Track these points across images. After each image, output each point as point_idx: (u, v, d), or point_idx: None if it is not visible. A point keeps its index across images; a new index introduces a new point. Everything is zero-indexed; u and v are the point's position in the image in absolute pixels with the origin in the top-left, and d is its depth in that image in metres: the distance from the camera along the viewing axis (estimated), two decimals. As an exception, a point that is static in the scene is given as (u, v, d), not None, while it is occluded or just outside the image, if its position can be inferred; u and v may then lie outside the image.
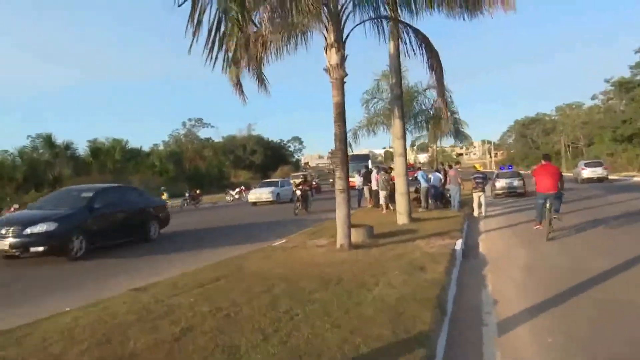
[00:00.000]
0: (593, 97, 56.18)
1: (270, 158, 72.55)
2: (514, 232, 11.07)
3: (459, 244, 8.95)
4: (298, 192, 18.95)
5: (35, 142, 39.43)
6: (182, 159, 50.00)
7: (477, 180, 14.67)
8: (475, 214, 14.53)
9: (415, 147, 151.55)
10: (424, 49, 8.76)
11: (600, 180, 28.03)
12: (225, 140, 71.65)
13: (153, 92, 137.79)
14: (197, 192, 27.05)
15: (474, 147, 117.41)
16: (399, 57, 12.01)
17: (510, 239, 10.27)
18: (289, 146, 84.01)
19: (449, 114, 14.85)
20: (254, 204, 24.69)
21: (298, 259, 8.01)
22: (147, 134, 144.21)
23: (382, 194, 16.00)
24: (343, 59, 8.40)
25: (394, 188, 16.72)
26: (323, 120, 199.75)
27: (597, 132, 51.71)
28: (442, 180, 16.91)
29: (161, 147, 56.85)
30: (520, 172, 23.52)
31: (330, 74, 8.44)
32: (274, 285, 5.92)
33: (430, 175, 16.82)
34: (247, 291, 5.72)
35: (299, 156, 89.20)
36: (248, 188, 32.18)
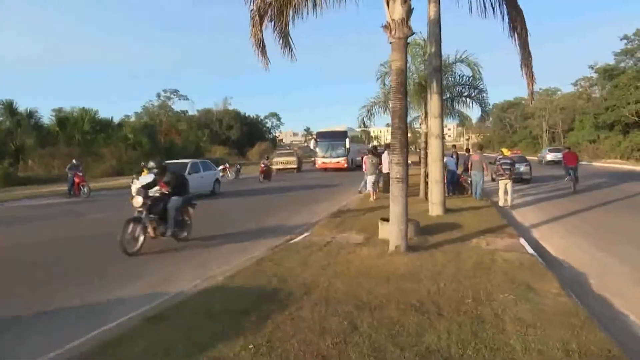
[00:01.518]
0: (575, 84, 56.05)
1: (247, 134, 69.90)
2: (565, 227, 9.68)
3: (527, 246, 7.48)
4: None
5: (-5, 109, 35.78)
6: (157, 132, 46.91)
7: (504, 166, 13.25)
8: (501, 203, 13.14)
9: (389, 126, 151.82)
10: (505, 6, 7.02)
11: (558, 162, 33.12)
12: (200, 114, 68.36)
13: (122, 63, 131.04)
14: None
15: (448, 129, 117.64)
16: (440, 22, 10.27)
17: (571, 236, 8.84)
18: (266, 122, 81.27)
19: (478, 91, 13.21)
20: None
21: (347, 265, 6.32)
22: (117, 105, 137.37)
23: (370, 180, 14.42)
24: (409, 12, 6.59)
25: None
26: (300, 98, 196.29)
27: (578, 118, 51.63)
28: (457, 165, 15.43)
29: (133, 119, 53.46)
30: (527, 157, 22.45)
31: (390, 32, 6.64)
32: (355, 317, 4.22)
33: (445, 159, 15.28)
34: (322, 329, 3.99)
35: (276, 133, 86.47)
36: (232, 165, 30.01)
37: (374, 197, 14.09)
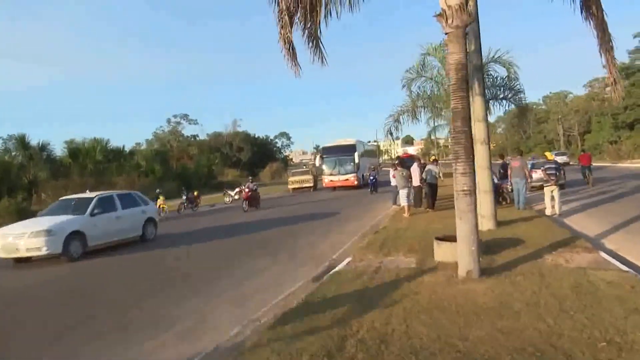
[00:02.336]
0: (587, 85, 54.75)
1: (258, 155, 69.18)
2: (635, 234, 8.50)
3: (614, 261, 6.36)
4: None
5: (7, 143, 35.42)
6: (168, 158, 46.33)
7: (549, 172, 12.13)
8: (549, 212, 11.98)
9: (399, 140, 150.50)
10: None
11: (564, 164, 32.55)
12: (210, 138, 67.90)
13: (129, 91, 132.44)
14: (195, 193, 23.86)
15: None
16: (478, 16, 9.33)
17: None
18: (276, 142, 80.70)
19: (514, 93, 12.19)
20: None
21: (415, 298, 5.26)
22: (127, 134, 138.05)
23: (403, 194, 13.32)
24: (468, -4, 5.64)
25: (432, 185, 14.42)
26: (309, 115, 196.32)
27: (595, 119, 50.20)
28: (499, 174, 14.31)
29: (144, 147, 53.12)
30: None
31: (446, 21, 5.67)
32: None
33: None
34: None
35: (286, 152, 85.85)
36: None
37: (408, 213, 13.00)
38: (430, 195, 14.16)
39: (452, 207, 14.08)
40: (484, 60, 12.11)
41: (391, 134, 14.20)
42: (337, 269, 7.34)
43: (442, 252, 7.06)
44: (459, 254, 5.86)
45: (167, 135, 53.05)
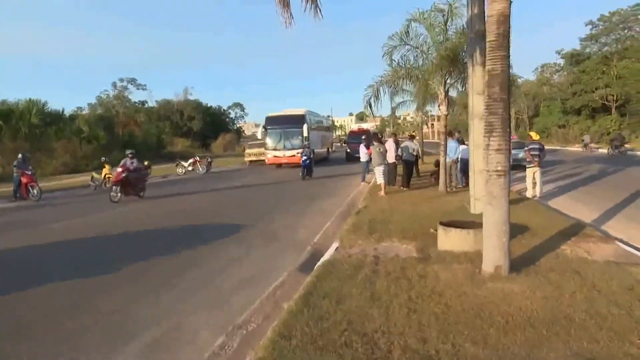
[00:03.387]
0: (538, 70, 56.09)
1: (210, 125, 66.17)
2: (633, 218, 8.01)
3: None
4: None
5: None
6: (114, 124, 42.91)
7: (532, 152, 11.57)
8: (529, 194, 11.47)
9: (353, 116, 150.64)
10: None
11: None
12: (159, 105, 64.04)
13: (72, 52, 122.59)
14: (146, 163, 21.76)
15: (411, 117, 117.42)
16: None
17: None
18: (230, 113, 77.61)
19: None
20: None
21: (439, 300, 4.31)
22: (68, 97, 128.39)
23: (379, 171, 12.42)
24: None
25: (409, 162, 13.59)
26: (264, 89, 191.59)
27: (545, 104, 51.66)
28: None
29: (86, 111, 48.97)
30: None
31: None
32: None
33: (461, 146, 13.48)
34: None
35: (240, 123, 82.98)
36: (203, 159, 27.23)
37: (384, 191, 12.08)
38: (405, 173, 13.32)
39: (426, 186, 13.88)
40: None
41: (370, 105, 13.03)
42: (327, 257, 6.25)
43: (449, 240, 6.14)
44: (485, 246, 4.93)
45: (113, 100, 49.08)
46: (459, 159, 12.85)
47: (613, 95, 40.59)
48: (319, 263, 6.01)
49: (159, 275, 6.16)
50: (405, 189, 13.03)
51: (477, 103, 8.58)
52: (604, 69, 41.82)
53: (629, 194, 11.02)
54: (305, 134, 25.67)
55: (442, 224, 6.40)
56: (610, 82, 40.37)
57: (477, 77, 8.50)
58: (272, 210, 11.28)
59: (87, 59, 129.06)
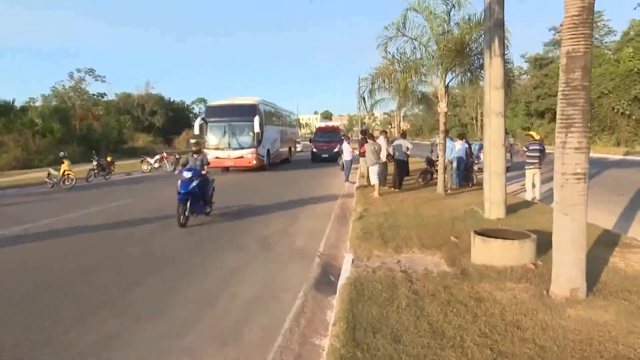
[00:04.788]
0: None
1: (173, 120, 63.68)
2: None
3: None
4: None
5: None
6: (70, 117, 40.01)
7: (531, 153, 11.02)
8: (529, 196, 10.91)
9: (319, 115, 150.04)
10: None
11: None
12: (119, 98, 60.92)
13: (22, 42, 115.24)
14: (109, 159, 20.03)
15: (376, 117, 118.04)
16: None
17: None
18: (193, 108, 75.03)
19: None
20: None
21: (517, 334, 3.44)
22: (20, 88, 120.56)
23: (374, 171, 11.61)
24: None
25: (401, 162, 12.83)
26: (229, 82, 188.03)
27: (510, 106, 52.65)
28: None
29: (40, 103, 45.62)
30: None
31: None
32: None
33: (458, 145, 12.86)
34: None
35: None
36: (171, 154, 25.56)
37: (378, 193, 11.23)
38: (397, 173, 12.53)
39: (417, 187, 13.16)
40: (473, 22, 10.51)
41: (364, 100, 12.19)
42: (346, 272, 5.28)
43: (487, 251, 5.30)
44: (556, 262, 4.10)
45: (69, 91, 45.94)
46: (454, 159, 12.22)
47: (575, 99, 41.74)
48: (341, 280, 5.04)
49: (145, 296, 4.99)
50: (397, 190, 12.24)
51: (494, 98, 7.84)
52: (567, 73, 43.03)
53: (629, 197, 10.68)
54: (257, 128, 20.31)
55: (477, 233, 5.56)
56: (572, 86, 41.50)
57: (495, 70, 7.75)
58: (262, 212, 10.19)
59: (41, 46, 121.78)
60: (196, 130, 21.32)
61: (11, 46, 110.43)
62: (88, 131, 38.72)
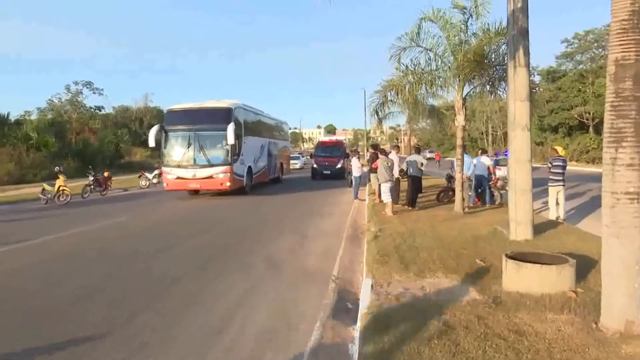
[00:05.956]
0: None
1: (172, 135, 63.74)
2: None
3: None
4: None
5: None
6: (66, 131, 40.08)
7: (555, 170, 10.74)
8: (552, 215, 10.60)
9: (322, 129, 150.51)
10: None
11: (430, 159, 38.62)
12: (116, 111, 61.07)
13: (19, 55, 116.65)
14: (106, 174, 19.87)
15: (381, 131, 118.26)
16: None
17: None
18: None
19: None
20: None
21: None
22: (15, 102, 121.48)
23: (386, 188, 11.35)
24: None
25: (416, 178, 12.58)
26: (229, 95, 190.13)
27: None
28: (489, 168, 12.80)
29: (35, 116, 45.73)
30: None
31: None
32: None
33: (474, 160, 12.63)
34: None
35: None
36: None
37: (392, 211, 10.96)
38: (412, 190, 12.28)
39: (431, 204, 12.90)
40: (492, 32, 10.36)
41: (377, 113, 11.99)
42: (366, 300, 5.00)
43: (521, 277, 5.01)
44: (607, 292, 3.82)
45: (66, 104, 46.07)
46: (473, 176, 12.01)
47: (590, 113, 41.60)
48: (362, 309, 4.75)
49: (148, 325, 4.70)
50: (411, 208, 11.98)
51: (519, 111, 7.62)
52: (580, 86, 42.92)
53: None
54: (231, 139, 16.22)
55: (509, 257, 5.28)
56: (587, 99, 41.36)
57: (519, 81, 7.55)
58: (269, 230, 9.96)
59: (39, 57, 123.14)
60: (151, 142, 17.61)
61: (7, 57, 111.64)
62: (84, 145, 38.76)
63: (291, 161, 36.73)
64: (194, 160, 16.84)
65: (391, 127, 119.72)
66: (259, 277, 6.47)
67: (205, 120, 17.00)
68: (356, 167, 15.62)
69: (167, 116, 18.36)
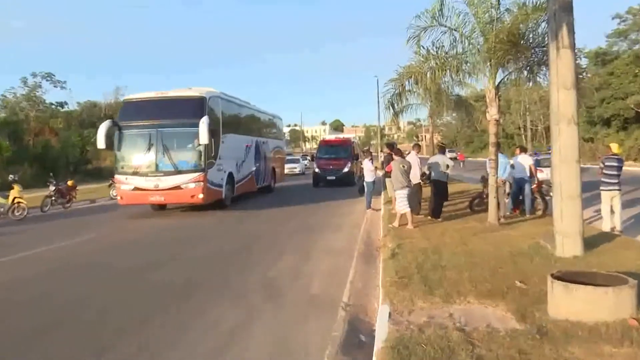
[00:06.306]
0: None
1: (148, 135, 64.15)
2: None
3: None
4: None
5: None
6: (23, 131, 40.39)
7: (609, 171, 10.67)
8: (606, 226, 10.53)
9: (327, 125, 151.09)
10: None
11: (452, 159, 36.10)
12: (82, 108, 61.48)
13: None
14: (70, 183, 19.94)
15: (398, 128, 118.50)
16: None
17: None
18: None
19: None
20: None
21: None
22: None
23: (402, 195, 11.29)
24: None
25: (440, 183, 12.55)
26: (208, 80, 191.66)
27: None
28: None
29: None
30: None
31: None
32: None
33: (510, 161, 12.60)
34: None
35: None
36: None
37: (413, 224, 10.91)
38: (435, 198, 12.25)
39: (459, 214, 12.87)
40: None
41: (392, 106, 11.98)
42: (383, 331, 4.95)
43: (570, 303, 4.94)
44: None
45: (22, 100, 46.45)
46: (509, 179, 11.99)
47: (650, 103, 41.41)
48: (377, 342, 4.71)
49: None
50: (435, 219, 11.95)
51: (564, 101, 7.58)
52: (637, 70, 42.68)
53: None
54: (204, 138, 15.00)
55: (555, 277, 5.22)
56: (646, 86, 41.21)
57: (563, 65, 7.51)
58: (259, 251, 9.98)
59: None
60: (100, 142, 16.12)
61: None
62: (44, 149, 39.06)
63: (288, 165, 36.88)
64: (157, 165, 15.69)
65: (410, 123, 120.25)
66: (252, 307, 6.46)
67: (171, 114, 15.88)
68: (368, 170, 15.61)
69: (122, 109, 17.42)
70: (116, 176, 16.66)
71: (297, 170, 41.33)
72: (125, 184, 16.00)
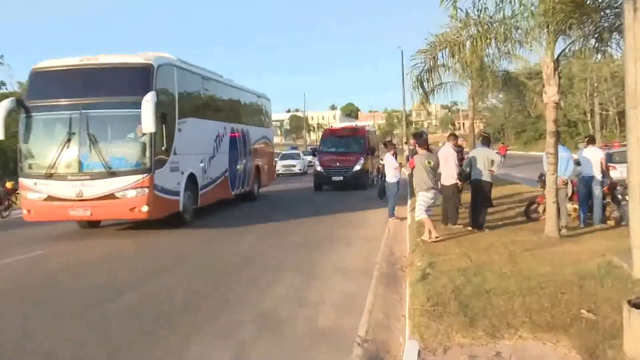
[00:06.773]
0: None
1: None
2: None
3: None
4: None
5: None
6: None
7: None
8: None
9: (338, 110, 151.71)
10: None
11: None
12: (25, 90, 61.98)
13: None
14: (9, 185, 20.16)
15: (428, 113, 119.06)
16: None
17: None
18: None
19: None
20: None
21: None
22: None
23: (425, 199, 11.40)
24: None
25: (481, 185, 12.60)
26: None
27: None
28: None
29: None
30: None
31: None
32: None
33: (575, 155, 12.64)
34: None
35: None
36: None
37: (434, 236, 10.96)
38: (476, 202, 12.29)
39: (512, 223, 12.94)
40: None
41: (422, 84, 12.03)
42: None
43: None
44: None
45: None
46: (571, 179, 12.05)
47: None
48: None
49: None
50: (475, 229, 12.00)
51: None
52: None
53: None
54: (150, 125, 13.18)
55: (634, 304, 5.26)
56: None
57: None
58: (265, 262, 10.09)
59: None
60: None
61: None
62: (-23, 143, 39.35)
63: (284, 162, 36.80)
64: (80, 164, 13.81)
65: (444, 107, 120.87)
66: (246, 343, 6.51)
67: (101, 89, 14.18)
68: (391, 167, 15.64)
69: (30, 82, 15.58)
70: (21, 180, 14.73)
71: (296, 169, 40.87)
72: (33, 192, 14.07)
